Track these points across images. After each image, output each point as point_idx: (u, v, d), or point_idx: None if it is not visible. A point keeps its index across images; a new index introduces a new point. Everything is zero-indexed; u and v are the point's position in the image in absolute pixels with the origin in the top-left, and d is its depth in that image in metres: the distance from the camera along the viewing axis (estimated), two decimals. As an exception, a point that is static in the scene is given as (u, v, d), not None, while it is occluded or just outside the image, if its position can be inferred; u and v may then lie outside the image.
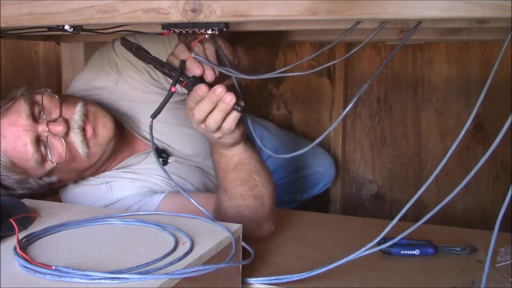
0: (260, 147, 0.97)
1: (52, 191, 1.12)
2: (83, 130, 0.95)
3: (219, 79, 0.85)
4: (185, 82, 0.83)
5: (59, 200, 1.10)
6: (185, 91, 0.85)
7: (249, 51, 1.02)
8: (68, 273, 0.60)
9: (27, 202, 0.90)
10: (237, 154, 0.90)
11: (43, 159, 0.93)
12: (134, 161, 1.06)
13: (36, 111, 0.93)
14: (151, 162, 1.06)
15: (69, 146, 0.94)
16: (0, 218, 0.75)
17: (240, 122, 0.85)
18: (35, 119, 0.92)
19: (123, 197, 1.02)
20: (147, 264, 0.63)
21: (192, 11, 0.66)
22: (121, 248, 0.71)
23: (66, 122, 0.94)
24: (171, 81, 1.10)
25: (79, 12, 0.71)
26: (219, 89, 0.79)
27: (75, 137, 0.94)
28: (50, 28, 0.81)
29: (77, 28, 0.81)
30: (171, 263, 0.64)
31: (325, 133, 0.79)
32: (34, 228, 0.78)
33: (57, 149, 0.93)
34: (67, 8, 0.72)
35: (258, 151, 0.96)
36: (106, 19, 0.70)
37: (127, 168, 1.06)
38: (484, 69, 1.64)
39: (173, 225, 0.78)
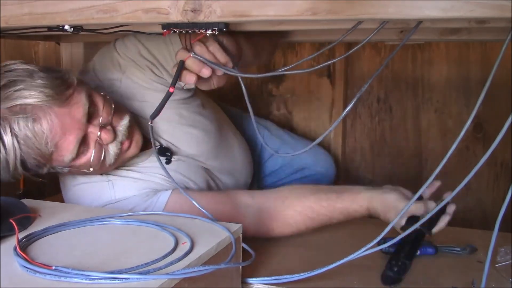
0: (262, 146, 0.97)
1: (52, 191, 1.12)
2: (121, 143, 0.96)
3: (224, 77, 0.85)
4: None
5: (59, 200, 1.10)
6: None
7: (250, 39, 1.01)
8: (68, 273, 0.60)
9: (27, 202, 0.90)
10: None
11: (74, 158, 0.92)
12: (138, 160, 1.06)
13: (91, 110, 0.92)
14: (154, 160, 1.06)
15: (103, 152, 0.94)
16: (0, 218, 0.75)
17: None
18: (89, 118, 0.92)
19: (125, 197, 1.02)
20: (147, 264, 0.63)
21: (192, 11, 0.66)
22: (121, 248, 0.71)
23: (115, 131, 0.94)
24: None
25: (79, 12, 0.71)
26: None
27: (113, 149, 0.94)
28: (50, 28, 0.81)
29: (77, 28, 0.81)
30: (171, 263, 0.64)
31: (325, 133, 0.79)
32: (34, 228, 0.78)
33: (96, 154, 0.93)
34: (67, 8, 0.72)
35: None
36: (106, 19, 0.70)
37: (130, 166, 1.06)
38: (484, 69, 1.64)
39: (173, 225, 0.78)
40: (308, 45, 1.82)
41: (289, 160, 1.54)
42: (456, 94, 1.69)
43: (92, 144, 0.92)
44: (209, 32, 0.75)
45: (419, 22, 0.74)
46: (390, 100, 1.78)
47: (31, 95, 0.83)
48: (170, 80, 1.09)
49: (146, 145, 1.07)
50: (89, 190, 1.05)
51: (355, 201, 1.01)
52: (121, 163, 1.01)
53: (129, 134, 0.97)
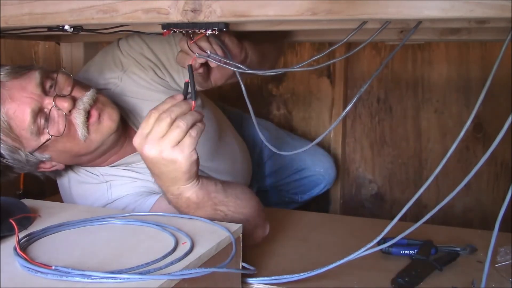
0: (262, 146, 0.97)
1: (52, 191, 1.12)
2: (88, 113, 0.94)
3: (224, 75, 0.85)
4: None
5: (59, 200, 1.10)
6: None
7: (256, 46, 1.02)
8: (68, 273, 0.60)
9: (27, 202, 0.90)
10: (194, 193, 0.84)
11: (39, 131, 0.92)
12: (135, 159, 1.06)
13: (48, 85, 0.93)
14: None
15: (69, 124, 0.93)
16: (0, 218, 0.75)
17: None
18: (44, 91, 0.92)
19: (119, 196, 1.02)
20: (147, 264, 0.63)
21: (192, 11, 0.66)
22: (121, 248, 0.71)
23: (74, 100, 0.93)
24: (175, 78, 1.10)
25: (79, 12, 0.71)
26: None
27: (78, 117, 0.93)
28: (50, 28, 0.81)
29: (77, 28, 0.81)
30: (171, 263, 0.64)
31: (325, 133, 0.79)
32: (34, 228, 0.79)
33: (57, 123, 0.92)
34: (67, 8, 0.72)
35: (215, 179, 0.91)
36: (106, 19, 0.70)
37: (128, 166, 1.06)
38: (484, 69, 1.64)
39: (173, 225, 0.78)
40: (308, 45, 1.82)
41: (288, 161, 1.54)
42: (456, 94, 1.69)
43: (53, 114, 0.92)
44: (209, 32, 0.75)
45: (419, 22, 0.74)
46: (390, 100, 1.78)
47: None
48: (171, 83, 1.09)
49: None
50: (88, 193, 1.05)
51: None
52: (107, 144, 0.98)
53: (98, 107, 0.95)
